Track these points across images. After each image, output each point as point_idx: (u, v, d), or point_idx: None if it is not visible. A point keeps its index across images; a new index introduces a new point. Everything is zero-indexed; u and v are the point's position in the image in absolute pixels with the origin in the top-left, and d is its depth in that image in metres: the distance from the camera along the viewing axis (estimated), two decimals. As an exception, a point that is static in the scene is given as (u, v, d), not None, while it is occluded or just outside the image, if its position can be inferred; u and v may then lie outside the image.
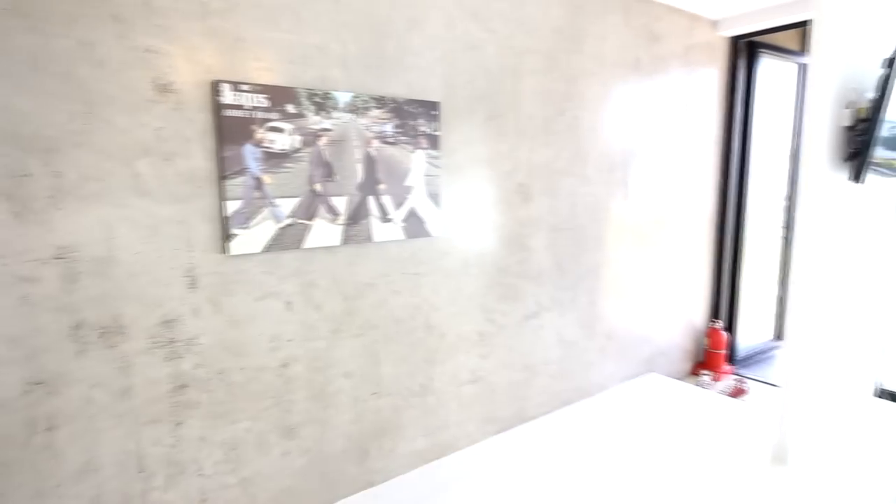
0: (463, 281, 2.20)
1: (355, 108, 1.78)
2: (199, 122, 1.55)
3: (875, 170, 2.25)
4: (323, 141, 1.73)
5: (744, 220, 3.33)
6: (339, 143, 1.76)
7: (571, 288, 2.64)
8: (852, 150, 2.08)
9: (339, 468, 1.94)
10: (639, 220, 2.90)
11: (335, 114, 1.74)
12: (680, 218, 3.12)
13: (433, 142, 1.99)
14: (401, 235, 1.95)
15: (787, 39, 3.36)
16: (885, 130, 2.29)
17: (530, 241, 2.43)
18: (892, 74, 1.93)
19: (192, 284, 1.58)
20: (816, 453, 2.25)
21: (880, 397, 2.80)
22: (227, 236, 1.59)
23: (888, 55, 1.97)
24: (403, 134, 1.91)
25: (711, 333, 3.28)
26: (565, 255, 2.58)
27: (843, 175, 2.12)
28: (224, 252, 1.61)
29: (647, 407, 2.71)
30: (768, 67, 3.31)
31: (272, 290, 1.71)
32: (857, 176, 2.03)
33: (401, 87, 1.91)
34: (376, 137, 1.84)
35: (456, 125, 2.09)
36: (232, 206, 1.59)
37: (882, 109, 1.95)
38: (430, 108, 1.96)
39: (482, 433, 2.37)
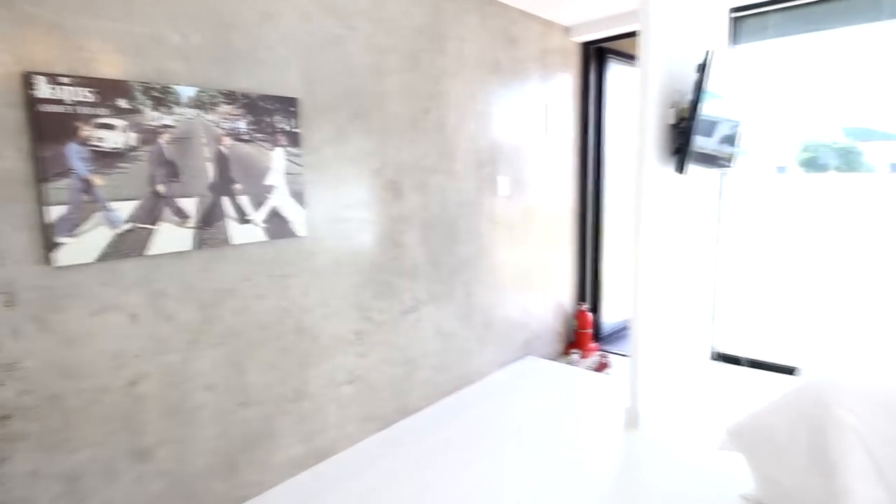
0: (335, 281, 2.18)
1: (201, 104, 1.68)
2: (10, 119, 1.37)
3: (719, 164, 2.61)
4: (164, 138, 1.60)
5: (602, 210, 3.65)
6: (183, 140, 1.65)
7: (447, 281, 2.72)
8: (677, 146, 2.37)
9: (205, 486, 1.82)
10: (508, 214, 3.06)
11: (177, 109, 1.63)
12: (545, 210, 3.34)
13: (294, 139, 1.94)
14: (263, 237, 1.88)
15: (632, 46, 3.73)
16: (727, 129, 2.65)
17: (403, 238, 2.47)
18: (704, 78, 2.23)
19: (10, 302, 1.39)
20: (663, 415, 2.54)
21: (715, 360, 3.23)
22: (50, 245, 1.42)
23: (700, 61, 2.27)
24: (259, 131, 1.83)
25: (579, 315, 3.56)
26: (439, 249, 2.65)
27: (670, 167, 2.41)
28: (48, 263, 1.43)
29: (523, 388, 2.88)
30: (617, 72, 3.65)
31: (112, 303, 1.56)
32: (680, 168, 2.31)
33: (254, 82, 1.84)
34: (228, 134, 1.75)
35: (319, 122, 2.06)
36: (56, 212, 1.42)
37: (698, 109, 2.24)
38: (287, 105, 1.91)
39: (363, 432, 2.36)
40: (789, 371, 2.92)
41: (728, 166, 2.78)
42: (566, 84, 3.38)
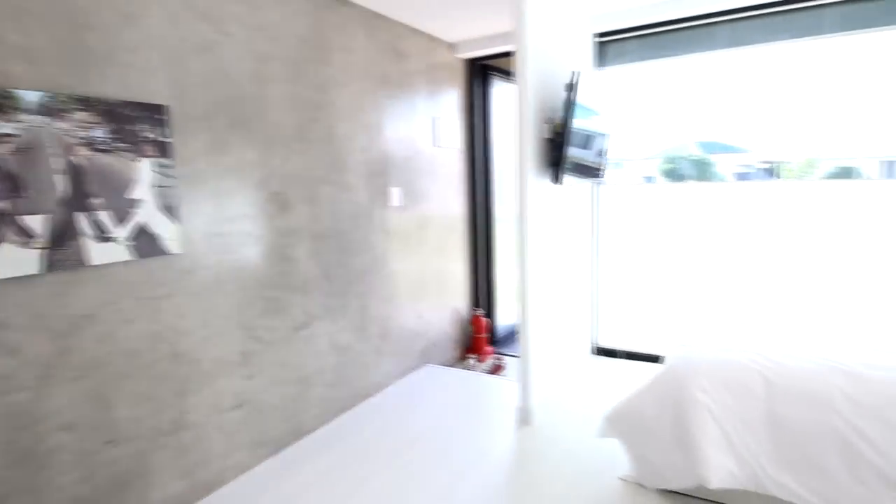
0: (216, 300, 2.04)
1: (50, 110, 1.50)
2: None
3: (595, 174, 2.84)
4: (4, 149, 1.41)
5: (492, 218, 3.81)
6: (28, 150, 1.46)
7: (341, 294, 2.67)
8: (553, 158, 2.54)
9: (66, 540, 1.61)
10: (402, 224, 3.09)
11: (21, 116, 1.44)
12: (439, 220, 3.42)
13: (163, 149, 1.80)
14: (128, 256, 1.71)
15: (512, 64, 3.95)
16: (603, 142, 2.89)
17: (293, 251, 2.39)
18: (573, 96, 2.42)
19: None
20: (552, 410, 2.69)
21: (596, 354, 3.50)
22: None
23: (569, 81, 2.46)
24: (122, 140, 1.68)
25: (475, 321, 3.67)
26: (332, 262, 2.60)
27: (548, 178, 2.59)
28: None
29: (422, 396, 2.90)
30: (500, 88, 3.85)
31: (-64, 339, 1.34)
32: (557, 178, 2.49)
33: (114, 88, 1.68)
34: (83, 144, 1.58)
35: (192, 131, 1.93)
36: None
37: (569, 124, 2.43)
38: (154, 112, 1.77)
39: (254, 458, 2.23)
40: (659, 359, 3.24)
41: (601, 176, 3.05)
42: (454, 98, 3.50)
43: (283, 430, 2.37)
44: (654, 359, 3.28)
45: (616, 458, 2.19)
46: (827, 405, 1.64)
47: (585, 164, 2.77)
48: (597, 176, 3.00)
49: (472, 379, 3.19)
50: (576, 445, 2.36)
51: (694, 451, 1.78)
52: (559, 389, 2.92)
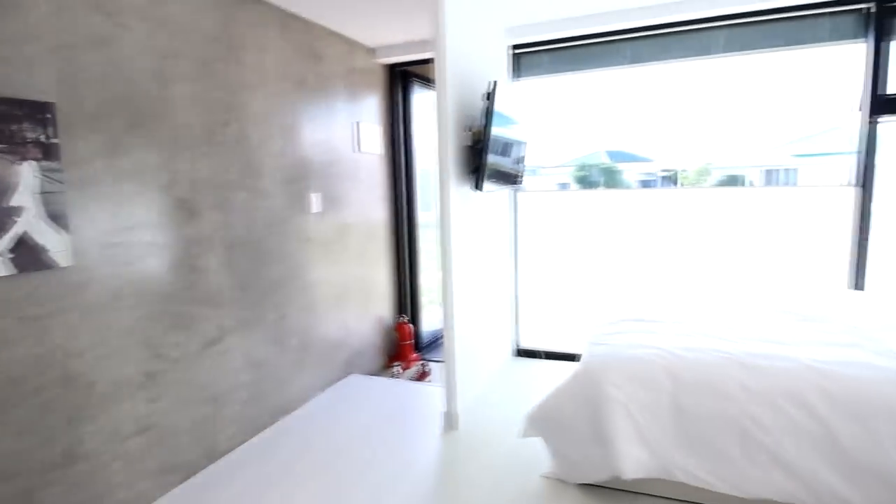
0: (114, 316, 1.87)
1: None
2: None
3: (514, 181, 2.92)
4: None
5: (415, 224, 3.81)
6: None
7: (257, 305, 2.55)
8: (474, 166, 2.59)
9: None
10: (322, 231, 3.00)
11: None
12: (361, 226, 3.36)
13: (49, 151, 1.62)
14: (7, 270, 1.52)
15: (432, 72, 3.98)
16: (520, 150, 2.97)
17: (202, 261, 2.24)
18: (491, 105, 2.48)
19: None
20: (478, 413, 2.73)
21: (518, 356, 3.59)
22: None
23: (486, 90, 2.52)
24: (-3, 141, 1.49)
25: (399, 327, 3.64)
26: (246, 271, 2.47)
27: (469, 185, 2.63)
28: None
29: (346, 408, 2.83)
30: (422, 95, 3.87)
31: None
32: (478, 185, 2.53)
33: (-14, 82, 1.49)
34: (-53, 144, 1.39)
35: (84, 132, 1.76)
36: None
37: (488, 133, 2.48)
38: (38, 111, 1.59)
39: (162, 487, 2.06)
40: (578, 358, 3.38)
41: (520, 183, 3.14)
42: (374, 103, 3.46)
43: (195, 453, 2.21)
44: (573, 357, 3.41)
45: (538, 457, 2.26)
46: (725, 394, 1.79)
47: (504, 170, 2.84)
48: (515, 182, 3.09)
49: (398, 387, 3.16)
50: (500, 447, 2.40)
51: (608, 444, 1.87)
52: (483, 392, 2.96)
